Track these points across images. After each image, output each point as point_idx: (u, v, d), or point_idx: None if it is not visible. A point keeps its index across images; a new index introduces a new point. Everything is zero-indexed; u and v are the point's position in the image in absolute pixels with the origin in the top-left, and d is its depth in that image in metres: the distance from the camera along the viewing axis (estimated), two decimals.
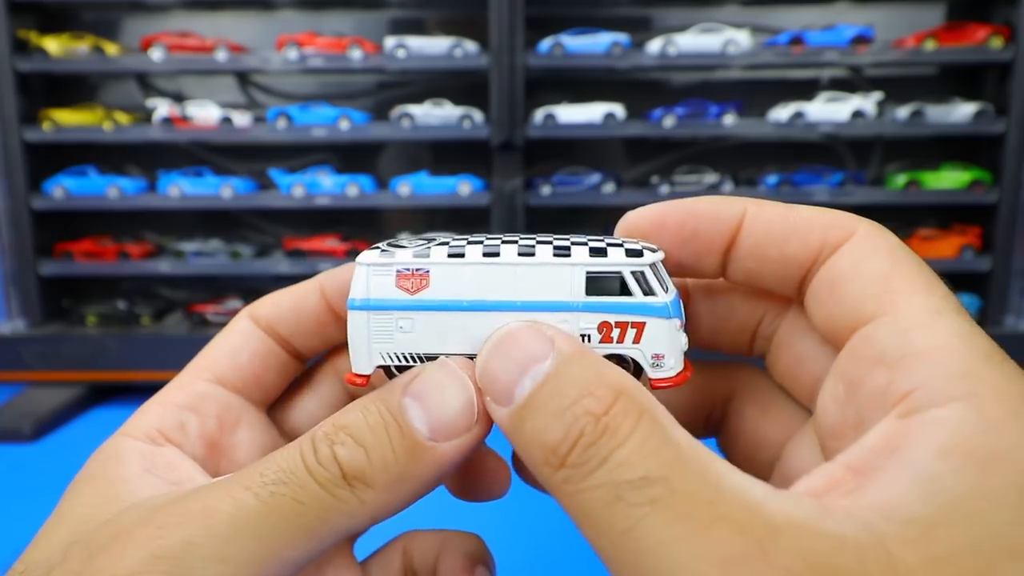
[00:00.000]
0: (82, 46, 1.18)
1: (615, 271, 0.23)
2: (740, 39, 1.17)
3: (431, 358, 0.24)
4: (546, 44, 1.17)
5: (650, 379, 0.24)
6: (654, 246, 0.25)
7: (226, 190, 1.19)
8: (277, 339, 0.29)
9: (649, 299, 0.23)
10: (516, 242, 0.24)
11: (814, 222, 0.23)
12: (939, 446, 0.17)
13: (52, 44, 1.17)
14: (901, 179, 1.20)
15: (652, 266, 0.24)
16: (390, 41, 1.18)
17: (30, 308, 1.20)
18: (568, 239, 0.24)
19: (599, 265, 0.23)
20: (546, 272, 0.23)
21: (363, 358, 0.24)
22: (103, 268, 1.21)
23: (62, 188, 1.19)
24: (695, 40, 1.17)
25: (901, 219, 1.26)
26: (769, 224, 0.24)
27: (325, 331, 0.29)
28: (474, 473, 0.27)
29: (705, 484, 0.17)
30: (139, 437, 0.26)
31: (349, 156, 1.30)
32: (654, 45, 1.17)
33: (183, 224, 1.31)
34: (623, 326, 0.23)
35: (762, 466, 0.26)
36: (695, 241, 0.25)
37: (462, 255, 0.23)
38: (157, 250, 1.26)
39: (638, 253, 0.24)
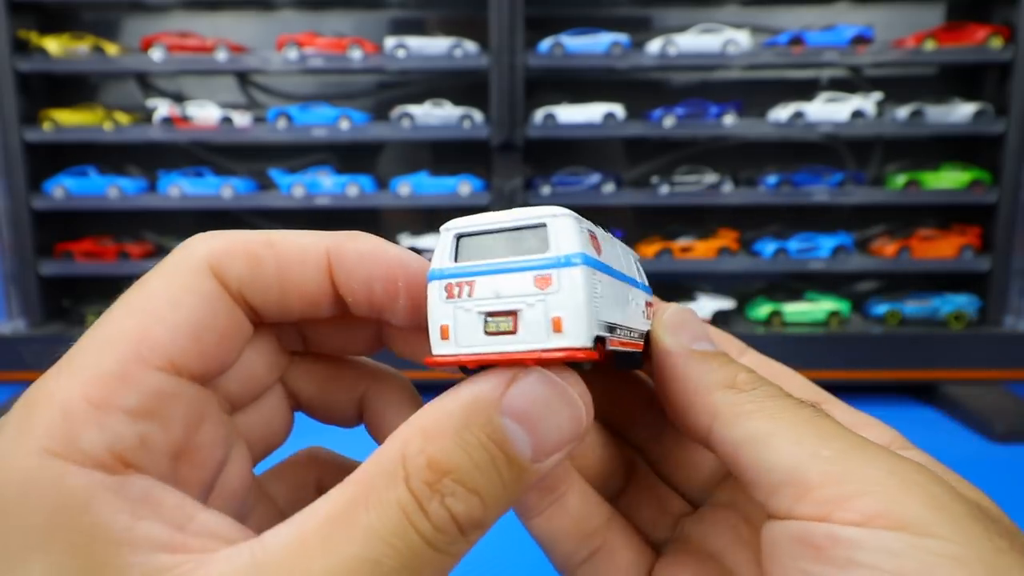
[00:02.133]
0: (82, 46, 1.18)
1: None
2: (740, 39, 1.17)
3: (609, 327, 0.21)
4: (546, 44, 1.17)
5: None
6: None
7: (226, 190, 1.19)
8: (244, 306, 0.23)
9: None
10: None
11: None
12: None
13: (52, 44, 1.17)
14: (901, 179, 1.20)
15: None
16: (390, 41, 1.18)
17: (30, 308, 1.20)
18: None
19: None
20: (628, 256, 0.25)
21: (585, 327, 0.19)
22: (103, 268, 1.21)
23: (62, 188, 1.19)
24: (695, 40, 1.17)
25: (901, 219, 1.26)
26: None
27: (308, 306, 0.23)
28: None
29: None
30: (86, 463, 0.18)
31: (349, 156, 1.30)
32: (654, 45, 1.17)
33: (183, 224, 1.31)
34: (651, 305, 0.26)
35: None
36: None
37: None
38: (157, 250, 1.27)
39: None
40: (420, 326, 0.23)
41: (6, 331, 1.17)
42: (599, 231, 0.22)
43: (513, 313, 0.20)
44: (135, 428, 0.19)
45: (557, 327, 0.19)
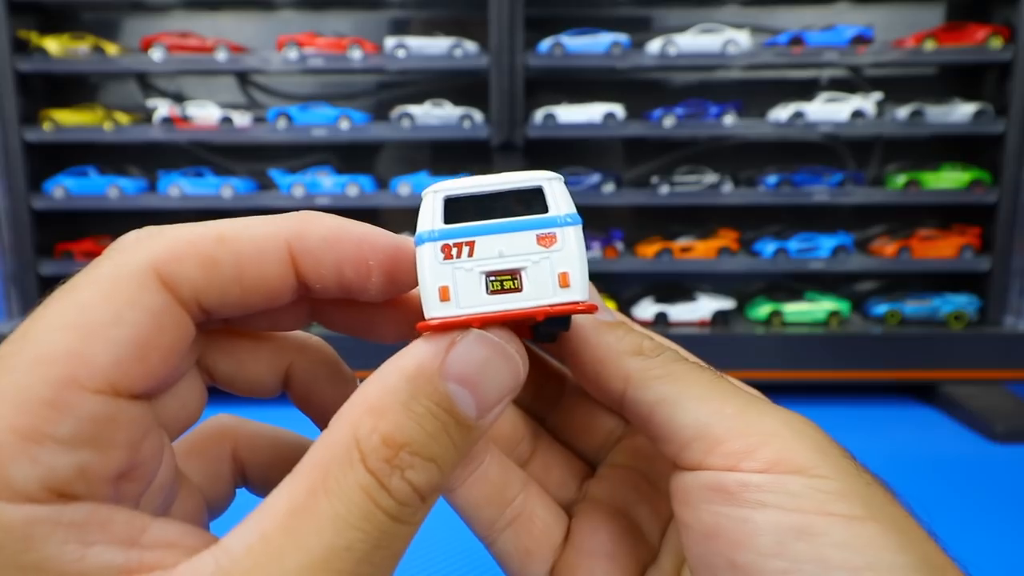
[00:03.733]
0: (82, 46, 1.18)
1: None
2: (740, 39, 1.17)
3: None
4: (546, 44, 1.17)
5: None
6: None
7: (226, 190, 1.19)
8: (195, 311, 0.20)
9: None
10: None
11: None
12: None
13: (52, 44, 1.17)
14: (901, 179, 1.20)
15: None
16: (390, 41, 1.18)
17: (30, 308, 1.19)
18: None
19: None
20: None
21: (583, 282, 0.21)
22: None
23: (62, 188, 1.19)
24: (695, 40, 1.17)
25: (901, 219, 1.26)
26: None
27: (268, 299, 0.22)
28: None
29: None
30: (19, 500, 0.16)
31: (349, 156, 1.30)
32: (654, 45, 1.17)
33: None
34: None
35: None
36: None
37: None
38: None
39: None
40: (394, 300, 0.23)
41: (6, 331, 1.17)
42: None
43: (517, 271, 0.20)
44: (71, 459, 0.17)
45: (564, 282, 0.20)
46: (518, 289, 0.20)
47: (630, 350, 0.25)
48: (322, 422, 0.27)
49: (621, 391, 0.24)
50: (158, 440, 0.21)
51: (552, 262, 0.20)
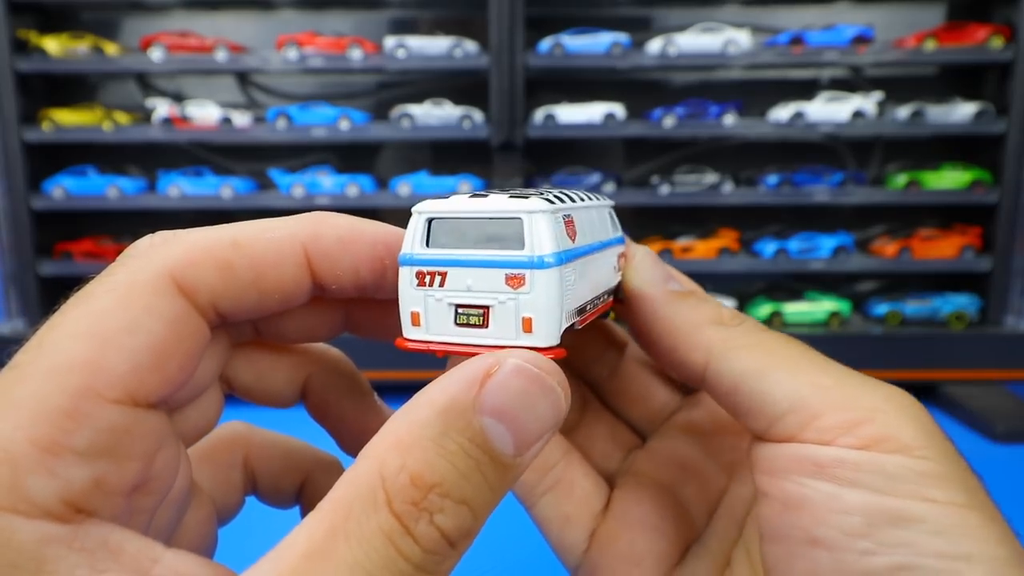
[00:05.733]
0: (82, 46, 1.18)
1: (610, 210, 0.27)
2: (740, 39, 1.17)
3: (578, 311, 0.21)
4: (546, 44, 1.17)
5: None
6: None
7: (226, 190, 1.19)
8: (211, 316, 0.20)
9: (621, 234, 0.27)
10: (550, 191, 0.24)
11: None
12: None
13: (52, 44, 1.17)
14: (901, 179, 1.20)
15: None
16: (390, 41, 1.18)
17: (30, 308, 1.20)
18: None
19: (607, 206, 0.27)
20: (600, 213, 0.25)
21: (555, 326, 0.19)
22: (103, 268, 1.21)
23: (62, 188, 1.19)
24: (695, 40, 1.17)
25: (901, 219, 1.26)
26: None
27: (285, 302, 0.22)
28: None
29: None
30: (35, 515, 0.16)
31: (349, 156, 1.30)
32: (654, 45, 1.17)
33: (183, 224, 1.26)
34: (623, 256, 0.27)
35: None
36: None
37: (567, 199, 0.22)
38: None
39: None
40: None
41: (6, 331, 1.17)
42: (576, 199, 0.23)
43: (485, 308, 0.20)
44: (88, 471, 0.17)
45: (527, 327, 0.19)
46: (484, 325, 0.20)
47: (709, 320, 0.24)
48: (337, 434, 0.27)
49: (703, 363, 0.23)
50: (174, 451, 0.20)
51: (518, 304, 0.19)
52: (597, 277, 0.23)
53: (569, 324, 0.20)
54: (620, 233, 0.27)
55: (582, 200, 0.23)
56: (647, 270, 0.25)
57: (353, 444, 0.26)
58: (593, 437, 0.29)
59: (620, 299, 0.26)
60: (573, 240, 0.21)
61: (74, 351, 0.17)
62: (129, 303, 0.18)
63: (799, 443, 0.21)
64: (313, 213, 0.22)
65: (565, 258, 0.20)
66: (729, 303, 1.21)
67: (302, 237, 0.21)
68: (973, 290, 1.20)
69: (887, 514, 0.19)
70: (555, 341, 0.19)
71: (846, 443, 0.20)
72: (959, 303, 1.18)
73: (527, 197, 0.20)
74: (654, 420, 0.30)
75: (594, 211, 0.24)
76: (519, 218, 0.19)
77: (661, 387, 0.30)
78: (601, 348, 0.30)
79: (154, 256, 0.20)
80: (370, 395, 0.27)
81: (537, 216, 0.19)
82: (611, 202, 0.27)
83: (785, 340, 0.23)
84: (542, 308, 0.19)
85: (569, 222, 0.21)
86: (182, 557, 0.18)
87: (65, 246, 1.21)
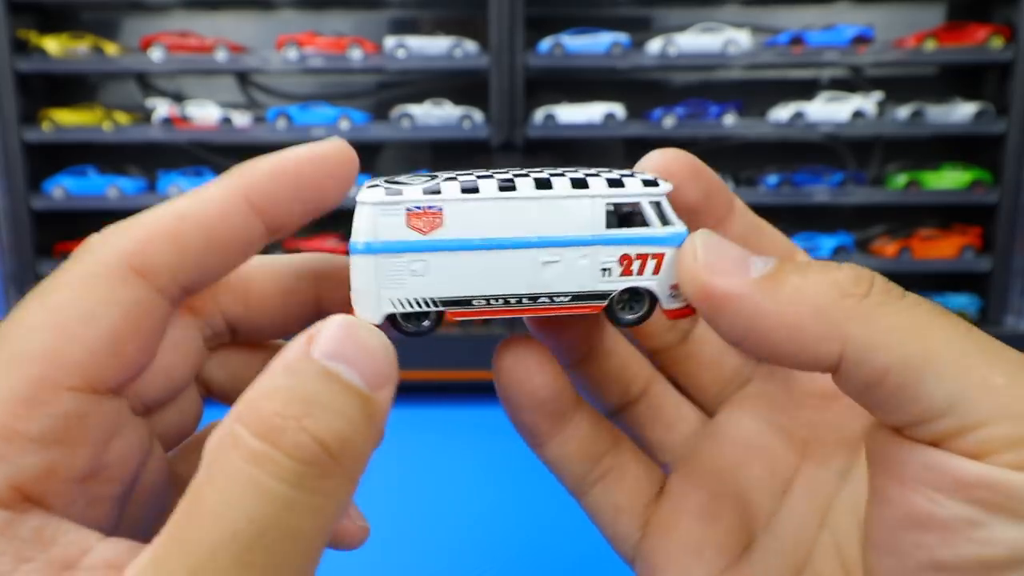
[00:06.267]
0: (82, 46, 1.18)
1: (634, 200, 0.23)
2: (740, 39, 1.17)
3: (448, 302, 0.22)
4: (546, 44, 1.17)
5: (665, 310, 0.23)
6: (662, 178, 0.24)
7: None
8: (172, 293, 0.20)
9: (668, 229, 0.23)
10: (528, 175, 0.23)
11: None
12: None
13: (52, 44, 1.17)
14: (901, 179, 1.20)
15: (667, 195, 0.23)
16: (390, 41, 1.18)
17: None
18: (580, 171, 0.24)
19: (618, 196, 0.23)
20: (566, 205, 0.22)
21: (371, 306, 0.21)
22: None
23: (62, 188, 1.19)
24: (695, 40, 1.17)
25: (901, 219, 1.26)
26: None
27: (240, 256, 0.22)
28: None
29: None
30: None
31: None
32: (654, 45, 1.17)
33: None
34: (643, 258, 0.23)
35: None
36: (703, 176, 0.25)
37: (476, 190, 0.22)
38: None
39: (653, 183, 0.23)
40: None
41: None
42: (492, 187, 0.22)
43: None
44: (40, 457, 0.17)
45: (350, 308, 0.22)
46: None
47: (831, 296, 0.19)
48: None
49: (836, 355, 0.18)
50: (135, 440, 0.21)
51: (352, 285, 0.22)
52: (527, 276, 0.22)
53: (414, 311, 0.22)
54: (655, 230, 0.23)
55: (509, 190, 0.22)
56: (712, 266, 0.20)
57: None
58: (650, 420, 0.27)
59: (677, 307, 0.23)
60: (427, 232, 0.21)
61: (32, 342, 0.18)
62: (85, 294, 0.19)
63: (943, 451, 0.17)
64: (237, 166, 0.22)
65: (385, 249, 0.21)
66: None
67: (238, 186, 0.21)
68: (973, 290, 1.20)
69: None
70: (375, 320, 0.21)
71: (1006, 461, 0.16)
72: (959, 303, 1.18)
73: (405, 184, 0.22)
74: (722, 392, 0.27)
75: (552, 203, 0.22)
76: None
77: (733, 355, 0.27)
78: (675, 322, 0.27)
79: (106, 246, 0.20)
80: None
81: (361, 207, 0.21)
82: (640, 192, 0.23)
83: (939, 314, 0.18)
84: (355, 288, 0.21)
85: (420, 214, 0.21)
86: (115, 545, 0.17)
87: (65, 246, 1.21)
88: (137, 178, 1.24)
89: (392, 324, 0.22)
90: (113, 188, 1.19)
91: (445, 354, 1.05)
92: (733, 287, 0.19)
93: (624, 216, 0.23)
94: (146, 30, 1.24)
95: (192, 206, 0.21)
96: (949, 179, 1.18)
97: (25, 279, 1.19)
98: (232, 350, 0.26)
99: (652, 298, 0.23)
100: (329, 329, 0.18)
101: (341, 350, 0.17)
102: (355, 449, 0.17)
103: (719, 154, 1.28)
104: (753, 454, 0.25)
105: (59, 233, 1.24)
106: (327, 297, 0.25)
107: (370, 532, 0.25)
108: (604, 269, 0.23)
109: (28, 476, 0.17)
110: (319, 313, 0.25)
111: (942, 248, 1.18)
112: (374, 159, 1.32)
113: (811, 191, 1.19)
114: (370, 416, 0.17)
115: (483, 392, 0.60)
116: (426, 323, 0.22)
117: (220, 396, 0.26)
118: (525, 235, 0.22)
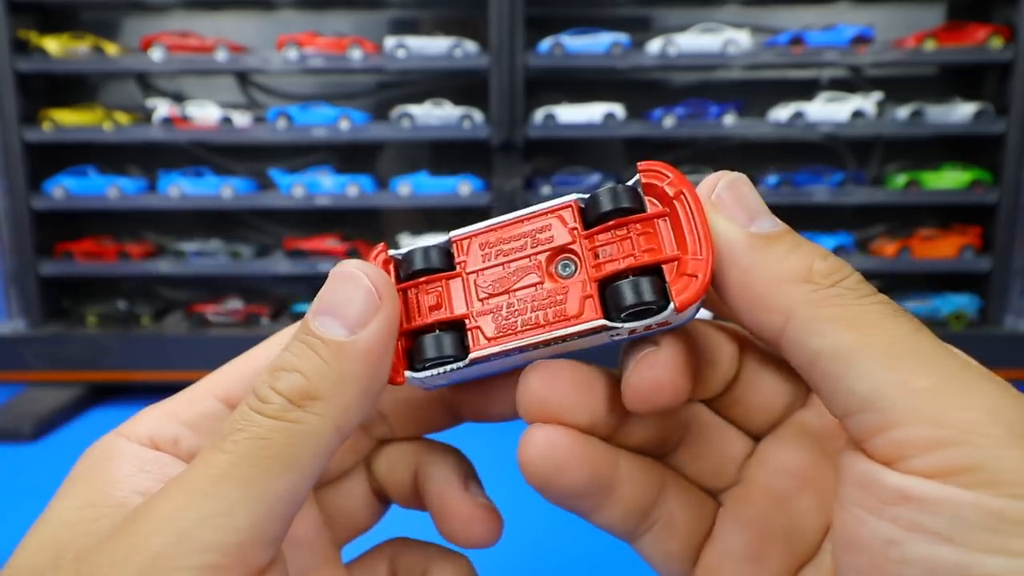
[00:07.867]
0: (82, 46, 1.18)
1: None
2: (740, 39, 1.17)
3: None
4: (546, 44, 1.17)
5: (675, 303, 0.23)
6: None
7: (226, 190, 1.19)
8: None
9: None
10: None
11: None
12: None
13: (52, 44, 1.17)
14: (901, 179, 1.20)
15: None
16: (390, 41, 1.18)
17: (30, 308, 1.20)
18: None
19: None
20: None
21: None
22: (103, 268, 1.21)
23: (62, 188, 1.19)
24: (695, 40, 1.17)
25: (901, 219, 1.26)
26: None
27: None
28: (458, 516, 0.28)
29: None
30: (133, 439, 0.24)
31: (349, 156, 1.30)
32: (654, 45, 1.17)
33: (183, 224, 1.31)
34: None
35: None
36: None
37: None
38: (157, 250, 1.26)
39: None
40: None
41: (6, 331, 1.17)
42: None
43: None
44: (175, 430, 0.25)
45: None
46: None
47: (795, 275, 0.19)
48: (438, 518, 0.29)
49: (779, 328, 0.19)
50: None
51: None
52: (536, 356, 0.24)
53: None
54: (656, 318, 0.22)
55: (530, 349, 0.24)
56: (720, 206, 0.22)
57: (452, 530, 0.28)
58: (699, 455, 0.26)
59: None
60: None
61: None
62: (263, 343, 0.28)
63: (871, 463, 0.17)
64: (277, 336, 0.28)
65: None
66: None
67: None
68: (973, 290, 1.20)
69: (952, 570, 0.15)
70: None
71: (919, 467, 0.16)
72: (959, 303, 1.18)
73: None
74: (770, 420, 0.26)
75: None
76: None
77: (782, 381, 0.25)
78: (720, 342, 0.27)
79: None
80: (472, 480, 0.29)
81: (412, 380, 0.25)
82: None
83: (890, 313, 0.18)
84: None
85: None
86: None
87: (65, 246, 1.21)
88: (137, 178, 1.24)
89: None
90: (113, 188, 1.20)
91: None
92: (727, 231, 0.21)
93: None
94: (146, 30, 1.24)
95: (235, 387, 0.27)
96: (949, 179, 1.18)
97: (25, 279, 1.19)
98: (403, 449, 0.30)
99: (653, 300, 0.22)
100: (325, 287, 0.23)
101: (327, 301, 0.22)
102: (319, 391, 0.21)
103: (719, 154, 1.28)
104: (802, 484, 0.24)
105: (59, 233, 1.24)
106: (456, 398, 0.29)
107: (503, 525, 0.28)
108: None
109: (162, 435, 0.25)
110: (454, 416, 0.29)
111: (942, 248, 1.18)
112: (374, 159, 1.32)
113: (811, 191, 1.19)
114: (348, 362, 0.21)
115: None
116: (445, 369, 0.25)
117: (396, 497, 0.30)
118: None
